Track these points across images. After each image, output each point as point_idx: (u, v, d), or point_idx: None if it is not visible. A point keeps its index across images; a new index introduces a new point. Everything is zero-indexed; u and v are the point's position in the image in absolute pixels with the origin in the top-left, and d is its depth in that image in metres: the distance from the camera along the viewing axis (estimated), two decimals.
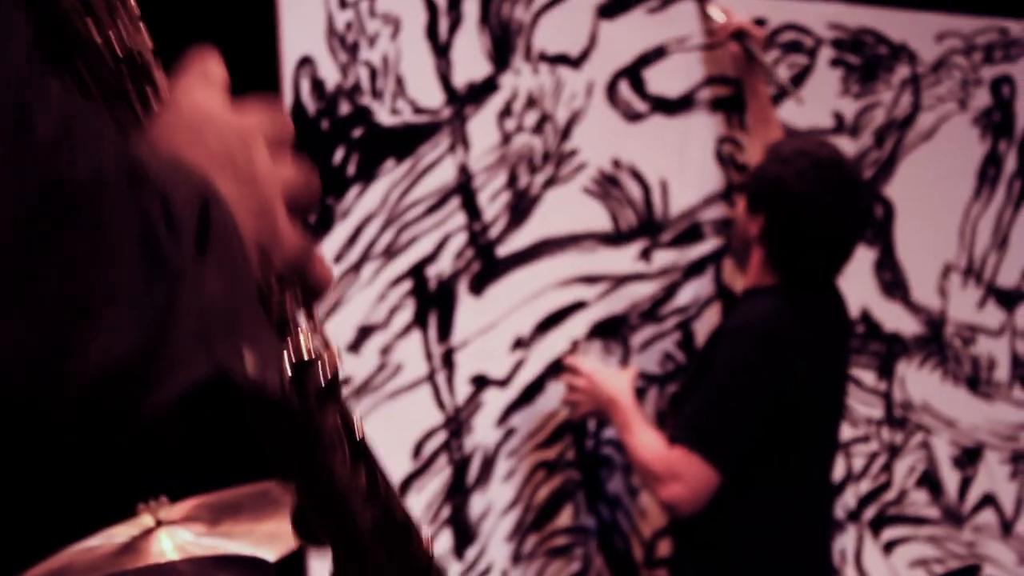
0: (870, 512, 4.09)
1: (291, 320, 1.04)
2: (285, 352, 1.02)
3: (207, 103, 1.04)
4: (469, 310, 3.59)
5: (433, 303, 3.55)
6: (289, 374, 1.01)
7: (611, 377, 3.59)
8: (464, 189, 3.58)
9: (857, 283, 4.02)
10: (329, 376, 1.03)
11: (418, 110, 3.52)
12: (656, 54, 3.85)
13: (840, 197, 3.39)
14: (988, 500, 4.22)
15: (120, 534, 2.28)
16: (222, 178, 0.97)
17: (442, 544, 3.55)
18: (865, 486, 4.09)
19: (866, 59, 4.16)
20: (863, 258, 4.10)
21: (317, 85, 3.38)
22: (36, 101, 0.80)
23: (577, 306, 3.73)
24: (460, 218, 3.58)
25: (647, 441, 3.43)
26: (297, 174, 1.07)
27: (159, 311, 0.84)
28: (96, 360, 0.81)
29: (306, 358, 1.02)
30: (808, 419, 3.42)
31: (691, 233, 3.89)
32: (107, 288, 0.81)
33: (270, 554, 2.24)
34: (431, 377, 3.54)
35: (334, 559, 1.11)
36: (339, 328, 3.41)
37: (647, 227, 3.82)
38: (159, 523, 2.26)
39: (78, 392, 0.81)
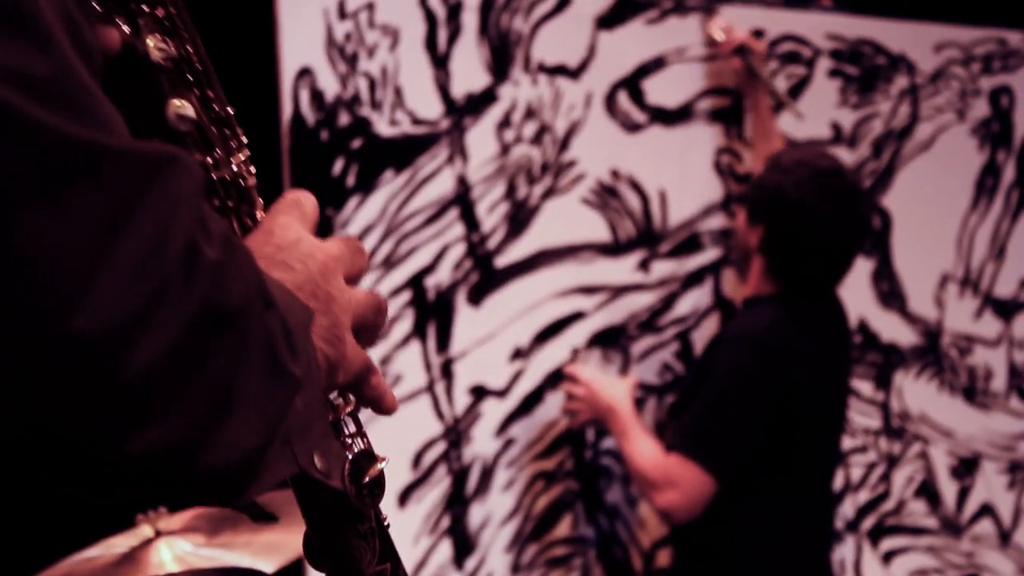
0: (869, 522, 4.10)
1: (342, 428, 1.22)
2: (347, 454, 1.19)
3: (297, 231, 1.16)
4: (468, 321, 3.59)
5: (432, 313, 3.55)
6: (348, 472, 1.18)
7: (610, 386, 3.59)
8: (463, 200, 3.58)
9: (855, 293, 4.03)
10: (374, 477, 1.21)
11: (417, 121, 3.53)
12: (655, 65, 3.85)
13: (840, 207, 3.39)
14: (986, 510, 4.22)
15: (119, 544, 2.28)
16: (303, 300, 1.10)
17: (442, 554, 3.55)
18: (863, 496, 4.09)
19: (864, 70, 4.17)
20: (861, 268, 4.11)
21: (316, 96, 3.39)
22: (202, 229, 0.92)
23: (576, 316, 3.73)
24: (459, 229, 3.58)
25: (644, 449, 3.43)
26: (368, 300, 1.19)
27: (279, 414, 0.98)
28: (225, 453, 0.94)
29: (359, 460, 1.20)
30: (808, 428, 3.41)
31: (690, 243, 3.90)
32: (243, 394, 0.94)
33: (269, 565, 2.24)
34: (430, 387, 3.54)
35: None
36: None
37: (646, 238, 3.83)
38: (158, 534, 2.27)
39: (206, 476, 0.94)
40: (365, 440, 1.23)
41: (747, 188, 3.66)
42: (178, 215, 0.90)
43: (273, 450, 0.98)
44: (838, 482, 4.03)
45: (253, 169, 1.22)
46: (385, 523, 1.25)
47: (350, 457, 1.19)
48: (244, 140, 1.22)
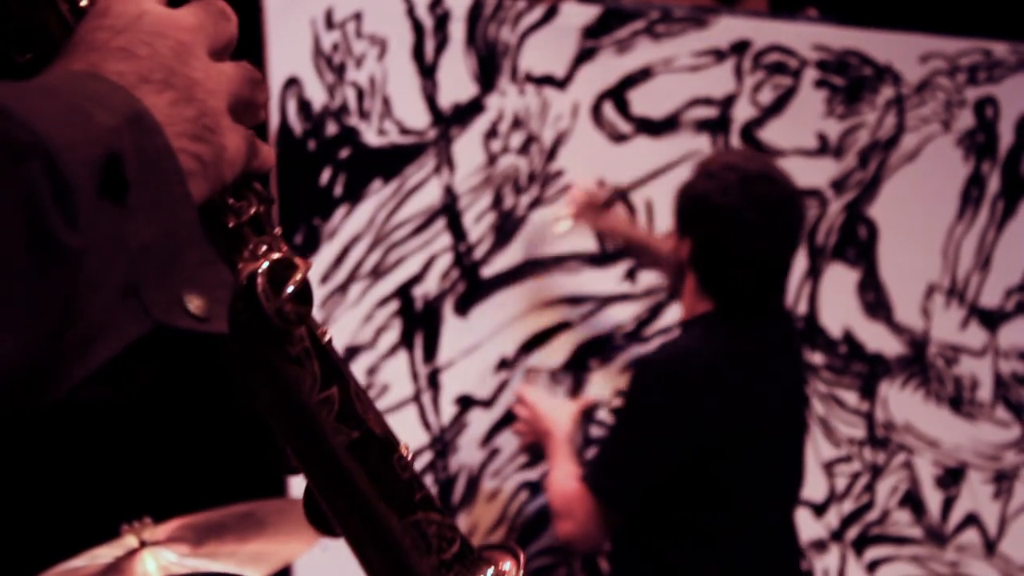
0: (853, 532, 4.10)
1: (248, 236, 0.99)
2: (251, 265, 0.97)
3: (137, 6, 0.94)
4: (454, 331, 3.60)
5: (419, 323, 3.56)
6: (259, 287, 0.96)
7: (553, 409, 3.53)
8: (450, 210, 3.59)
9: (840, 303, 4.04)
10: (298, 286, 0.98)
11: (404, 131, 3.54)
12: (641, 75, 3.86)
13: (768, 212, 3.18)
14: (971, 520, 4.23)
15: (104, 555, 2.28)
16: (151, 92, 0.89)
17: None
18: (848, 506, 4.10)
19: (850, 80, 4.18)
20: (846, 278, 4.12)
21: (304, 106, 3.40)
22: None
23: (562, 327, 3.74)
24: (446, 239, 3.59)
25: (560, 476, 3.32)
26: (240, 73, 0.98)
27: (50, 303, 0.77)
28: None
29: (275, 270, 0.97)
30: (742, 456, 3.21)
31: None
32: None
33: (255, 574, 2.25)
34: (417, 397, 3.55)
35: (310, 483, 1.08)
36: None
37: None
38: (143, 544, 2.27)
39: None
40: (282, 246, 1.00)
41: (674, 198, 3.40)
42: None
43: (90, 324, 0.79)
44: (822, 492, 4.04)
45: None
46: (325, 339, 1.03)
47: (264, 266, 0.96)
48: None
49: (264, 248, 0.99)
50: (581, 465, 3.36)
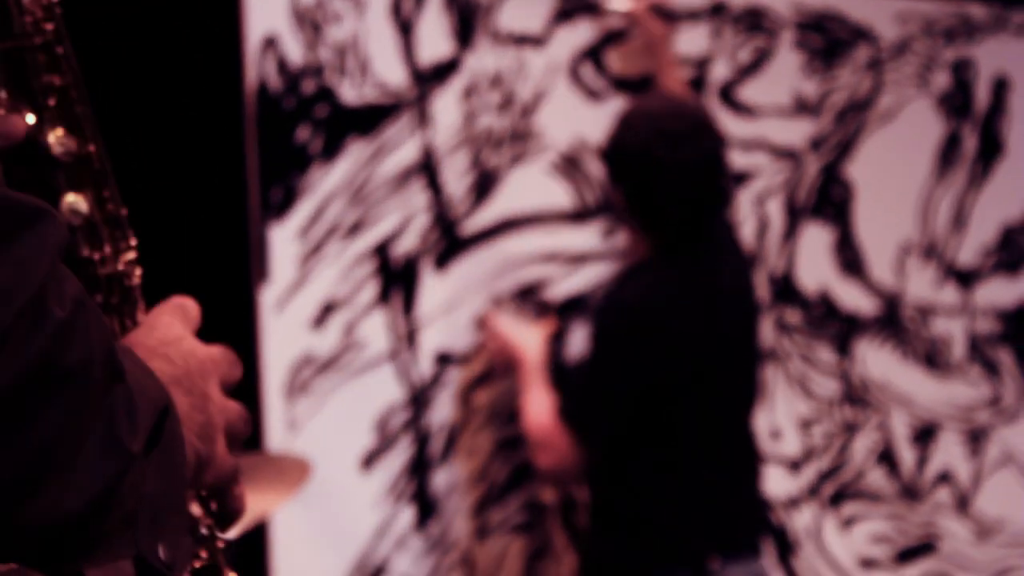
0: (829, 489, 4.13)
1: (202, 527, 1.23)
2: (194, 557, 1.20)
3: (180, 330, 1.18)
4: (433, 288, 3.61)
5: (397, 281, 3.57)
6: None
7: (520, 335, 3.59)
8: (428, 168, 3.60)
9: (816, 262, 4.06)
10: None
11: (382, 89, 3.54)
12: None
13: (679, 147, 3.27)
14: (944, 478, 4.26)
15: None
16: (179, 393, 1.11)
17: (405, 520, 3.58)
18: (823, 464, 4.13)
19: (828, 41, 4.19)
20: (822, 237, 4.14)
21: (281, 64, 3.40)
22: (54, 287, 0.93)
23: (540, 284, 3.75)
24: (424, 197, 3.60)
25: (536, 407, 3.41)
26: (238, 410, 1.21)
27: (107, 484, 0.96)
28: (45, 511, 0.93)
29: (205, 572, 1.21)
30: (700, 390, 3.34)
31: None
32: (71, 456, 0.93)
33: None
34: (395, 354, 3.56)
35: None
36: (304, 305, 3.43)
37: (610, 206, 3.85)
38: None
39: (24, 532, 0.93)
40: (219, 553, 1.24)
41: (599, 153, 3.52)
42: (34, 268, 0.91)
43: (110, 526, 0.97)
44: (798, 449, 4.07)
45: (139, 271, 1.26)
46: None
47: (195, 567, 1.20)
48: (133, 242, 1.25)
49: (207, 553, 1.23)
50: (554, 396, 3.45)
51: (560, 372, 3.61)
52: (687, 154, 3.28)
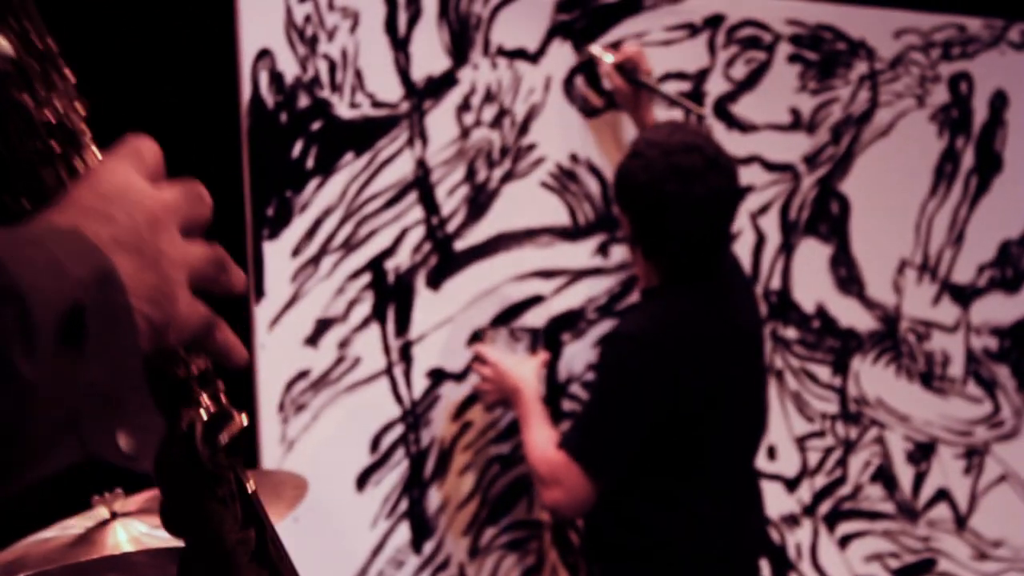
0: (825, 507, 4.12)
1: (194, 388, 1.15)
2: (190, 415, 1.14)
3: (125, 179, 1.07)
4: (427, 304, 3.59)
5: (391, 297, 3.55)
6: (201, 433, 1.14)
7: (516, 366, 3.57)
8: (422, 183, 3.58)
9: (812, 279, 4.04)
10: (232, 437, 1.16)
11: (377, 104, 3.52)
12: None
13: (690, 182, 3.28)
14: (942, 495, 4.25)
15: (75, 526, 2.27)
16: (122, 256, 1.02)
17: (400, 537, 3.55)
18: (820, 481, 4.11)
19: (824, 55, 4.18)
20: (819, 253, 4.12)
21: (276, 78, 3.38)
22: None
23: (534, 300, 3.74)
24: (418, 212, 3.58)
25: (539, 440, 3.41)
26: (206, 253, 1.11)
27: (3, 419, 0.90)
28: None
29: (214, 421, 1.15)
30: (708, 422, 3.36)
31: None
32: None
33: None
34: (389, 370, 3.54)
35: None
36: (298, 321, 3.41)
37: (604, 222, 3.83)
38: (114, 515, 2.26)
39: None
40: (222, 399, 1.17)
41: (611, 181, 3.53)
42: None
43: (30, 448, 0.92)
44: (795, 467, 4.05)
45: (82, 109, 1.13)
46: (249, 487, 1.20)
47: (204, 418, 1.14)
48: (71, 77, 1.13)
49: (207, 399, 1.16)
50: (555, 428, 3.45)
51: (555, 394, 3.60)
52: (698, 190, 3.29)
